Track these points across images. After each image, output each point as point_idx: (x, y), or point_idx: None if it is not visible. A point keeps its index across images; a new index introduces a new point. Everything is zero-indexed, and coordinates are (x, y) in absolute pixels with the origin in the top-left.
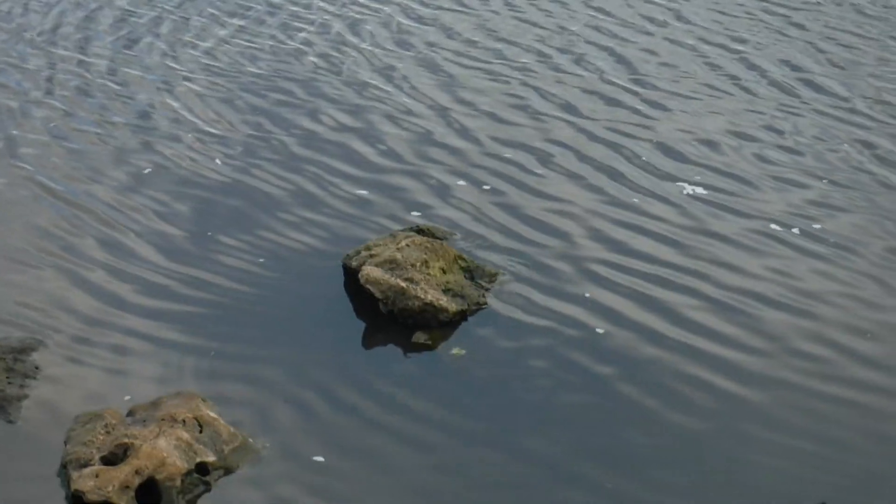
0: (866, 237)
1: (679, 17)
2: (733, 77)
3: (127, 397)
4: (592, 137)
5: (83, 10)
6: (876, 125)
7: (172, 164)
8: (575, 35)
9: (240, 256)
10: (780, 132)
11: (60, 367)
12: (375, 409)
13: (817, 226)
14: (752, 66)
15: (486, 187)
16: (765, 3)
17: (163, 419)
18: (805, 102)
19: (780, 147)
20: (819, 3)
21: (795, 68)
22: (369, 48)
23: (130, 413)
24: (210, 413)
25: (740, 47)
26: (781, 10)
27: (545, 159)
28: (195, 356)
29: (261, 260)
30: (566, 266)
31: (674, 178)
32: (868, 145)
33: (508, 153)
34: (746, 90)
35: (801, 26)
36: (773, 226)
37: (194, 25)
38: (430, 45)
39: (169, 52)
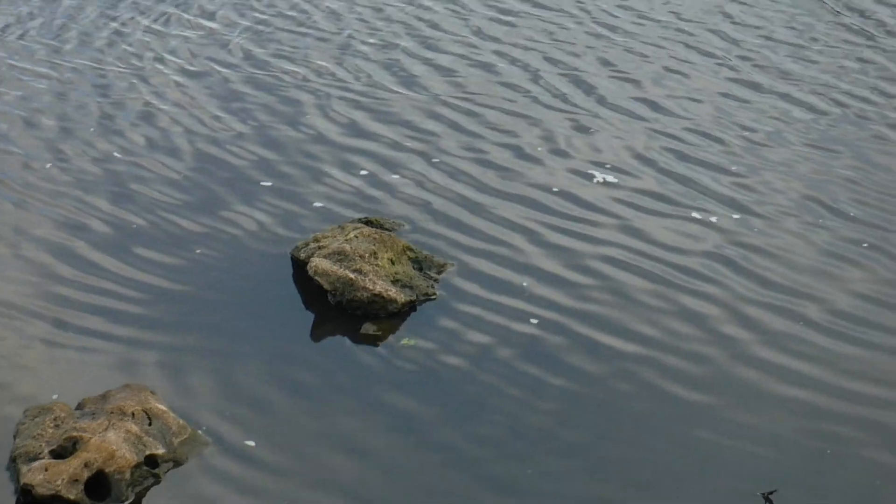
0: (799, 227)
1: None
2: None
3: (55, 395)
4: (543, 128)
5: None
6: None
7: (119, 156)
8: (514, 27)
9: (186, 248)
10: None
11: (6, 361)
12: (325, 400)
13: (760, 202)
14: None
15: (434, 179)
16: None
17: (112, 412)
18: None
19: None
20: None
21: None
22: (319, 39)
23: (80, 406)
24: (159, 406)
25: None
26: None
27: (494, 151)
28: (143, 349)
29: (208, 252)
30: (514, 257)
31: (616, 168)
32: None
33: (458, 145)
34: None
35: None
36: (694, 214)
37: (150, 16)
38: (380, 35)
39: (122, 44)
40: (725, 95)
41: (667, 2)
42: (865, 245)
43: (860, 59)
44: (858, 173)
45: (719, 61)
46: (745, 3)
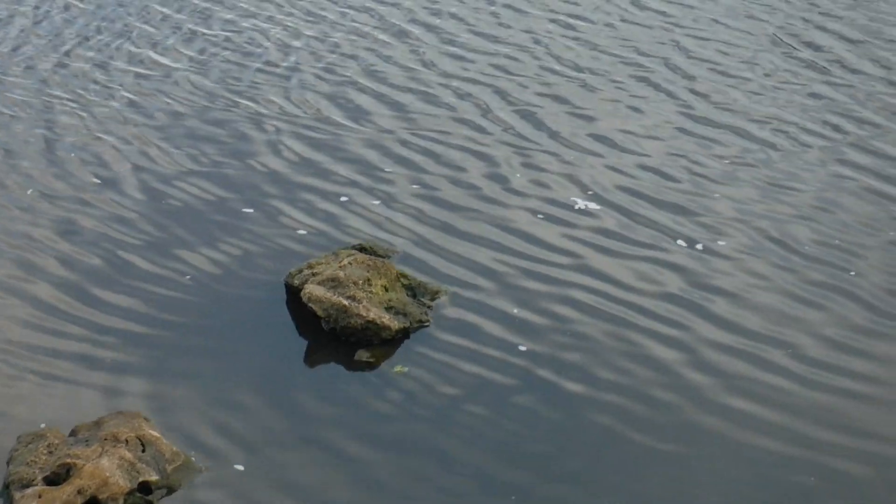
0: (761, 268)
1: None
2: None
3: (42, 425)
4: (534, 156)
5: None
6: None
7: (111, 182)
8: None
9: (181, 275)
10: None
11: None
12: (318, 426)
13: (721, 242)
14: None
15: (429, 206)
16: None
17: (105, 439)
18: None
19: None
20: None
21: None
22: (309, 73)
23: (73, 433)
24: (152, 432)
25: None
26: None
27: (488, 180)
28: (137, 376)
29: (203, 279)
30: (507, 284)
31: (604, 201)
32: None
33: (452, 173)
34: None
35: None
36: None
37: (131, 38)
38: (366, 64)
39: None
40: (682, 131)
41: (623, 38)
42: (827, 286)
43: (814, 95)
44: (817, 212)
45: (676, 98)
46: (700, 38)
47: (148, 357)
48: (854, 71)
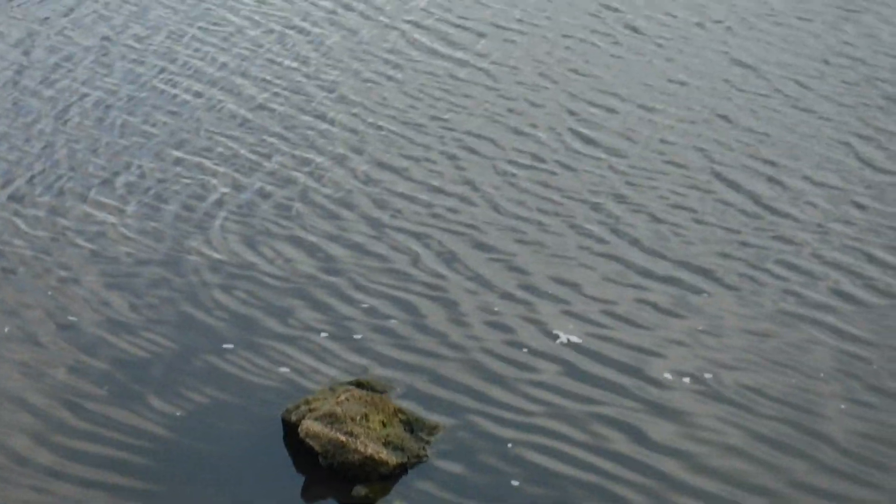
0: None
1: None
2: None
3: None
4: (526, 288)
5: None
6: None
7: (75, 329)
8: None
9: (177, 408)
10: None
11: None
12: None
13: (708, 376)
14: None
15: (426, 340)
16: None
17: None
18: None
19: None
20: None
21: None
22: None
23: None
24: None
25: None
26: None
27: (484, 314)
28: None
29: (199, 413)
30: (505, 420)
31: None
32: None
33: (448, 308)
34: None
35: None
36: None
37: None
38: (360, 175)
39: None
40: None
41: (610, 148)
42: (803, 430)
43: (746, 243)
44: (786, 356)
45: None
46: (638, 185)
47: (143, 491)
48: (783, 214)
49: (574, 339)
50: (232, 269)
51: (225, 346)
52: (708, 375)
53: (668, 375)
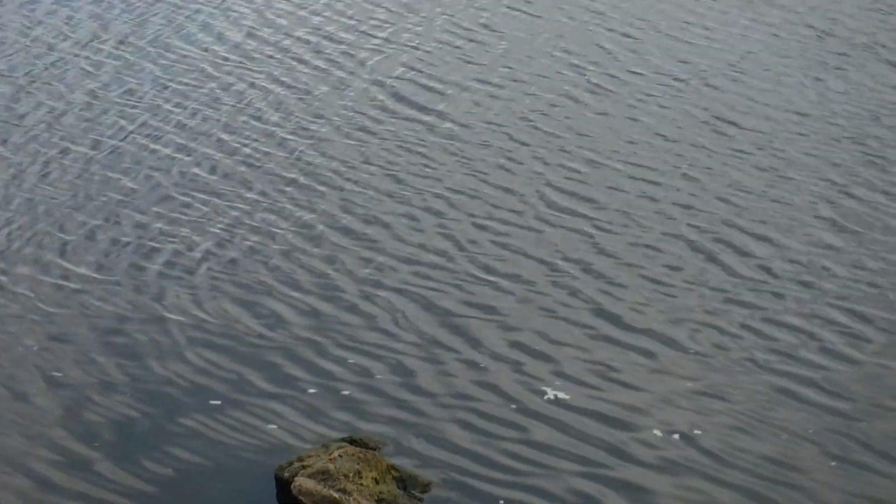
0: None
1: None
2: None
3: None
4: (512, 336)
5: None
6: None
7: (94, 372)
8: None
9: (168, 467)
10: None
11: None
12: None
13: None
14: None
15: (417, 397)
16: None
17: None
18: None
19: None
20: None
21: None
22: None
23: None
24: None
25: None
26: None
27: (471, 371)
28: None
29: (190, 472)
30: (496, 478)
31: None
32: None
33: (433, 364)
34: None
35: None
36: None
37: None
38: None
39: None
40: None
41: (590, 205)
42: (791, 488)
43: (733, 300)
44: (772, 414)
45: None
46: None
47: None
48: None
49: (561, 395)
50: (216, 327)
51: (212, 402)
52: (697, 433)
53: (656, 433)
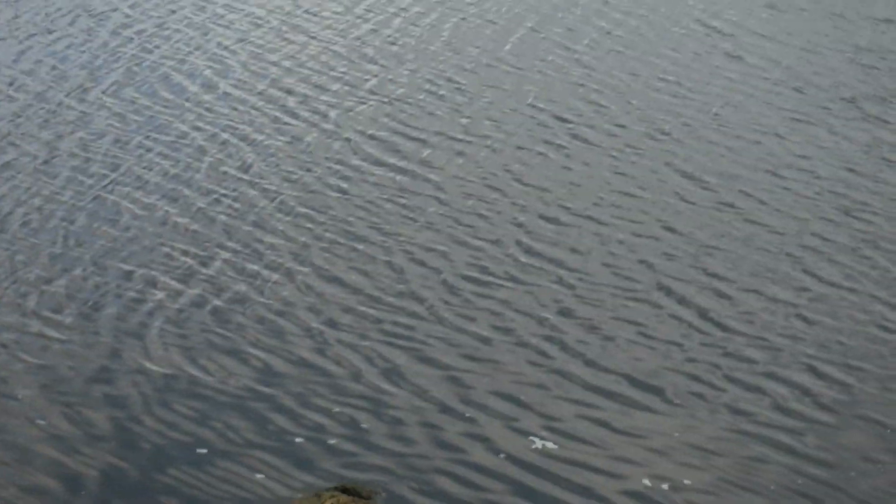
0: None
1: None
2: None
3: None
4: (502, 388)
5: None
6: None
7: (48, 429)
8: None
9: None
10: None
11: None
12: None
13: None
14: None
15: (405, 447)
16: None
17: None
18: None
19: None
20: None
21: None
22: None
23: None
24: None
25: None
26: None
27: (462, 422)
28: None
29: None
30: None
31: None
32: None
33: (427, 416)
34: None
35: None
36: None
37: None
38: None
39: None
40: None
41: (557, 261)
42: None
43: (697, 358)
44: (737, 474)
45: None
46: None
47: None
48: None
49: (550, 446)
50: (202, 377)
51: (200, 451)
52: (686, 482)
53: (619, 494)
